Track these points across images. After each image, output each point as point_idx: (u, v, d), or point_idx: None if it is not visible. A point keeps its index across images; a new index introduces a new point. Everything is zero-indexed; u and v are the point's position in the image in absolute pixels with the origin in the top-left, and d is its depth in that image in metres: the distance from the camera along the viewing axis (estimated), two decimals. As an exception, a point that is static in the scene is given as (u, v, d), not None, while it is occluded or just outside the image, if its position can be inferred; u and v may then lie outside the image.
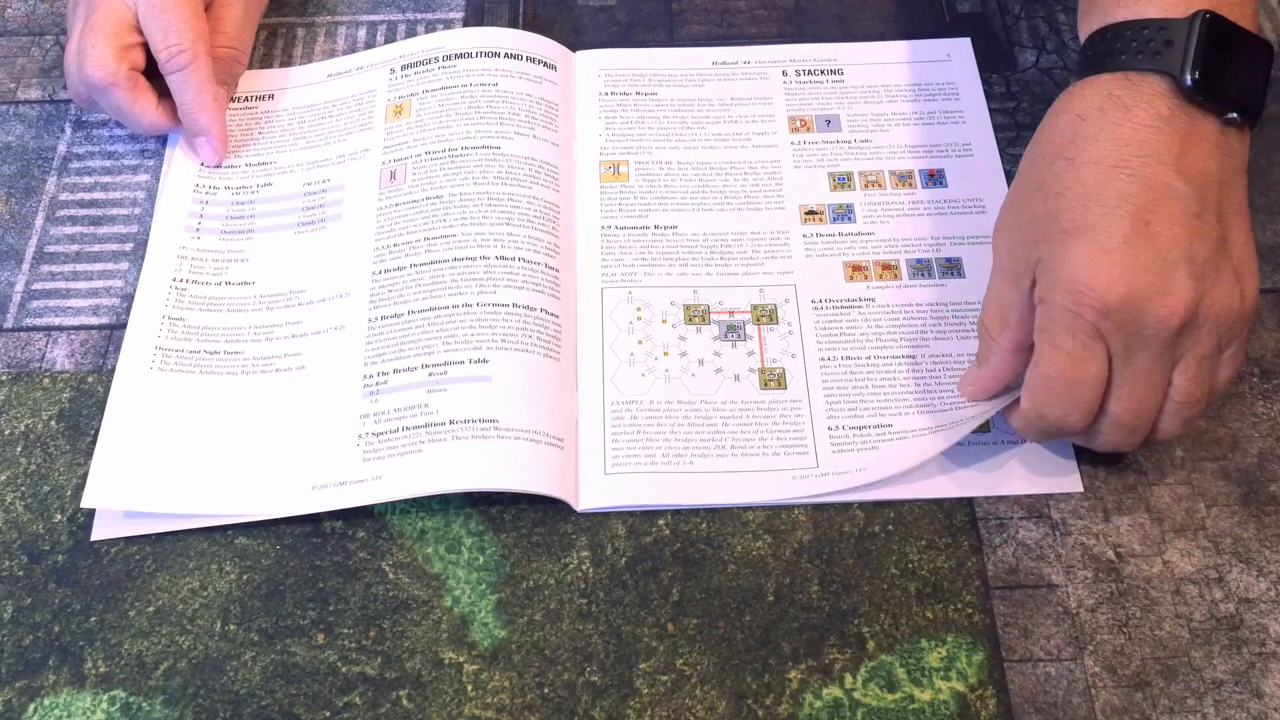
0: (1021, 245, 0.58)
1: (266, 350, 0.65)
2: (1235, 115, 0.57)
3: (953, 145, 0.73)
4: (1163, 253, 0.54)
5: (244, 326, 0.66)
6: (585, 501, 0.60)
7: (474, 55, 0.75)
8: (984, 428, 0.62)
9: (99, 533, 0.60)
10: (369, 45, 0.79)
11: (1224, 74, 0.57)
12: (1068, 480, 0.61)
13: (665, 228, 0.69)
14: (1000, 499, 0.60)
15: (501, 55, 0.75)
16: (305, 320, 0.66)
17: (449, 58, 0.75)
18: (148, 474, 0.60)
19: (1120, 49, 0.59)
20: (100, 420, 0.63)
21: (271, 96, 0.76)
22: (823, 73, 0.76)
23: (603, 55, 0.77)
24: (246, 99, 0.76)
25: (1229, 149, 0.58)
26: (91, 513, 0.60)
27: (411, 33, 0.79)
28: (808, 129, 0.73)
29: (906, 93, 0.75)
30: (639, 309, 0.66)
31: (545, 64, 0.75)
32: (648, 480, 0.61)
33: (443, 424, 0.61)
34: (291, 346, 0.65)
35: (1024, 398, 0.57)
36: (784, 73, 0.76)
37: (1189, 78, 0.56)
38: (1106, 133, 0.57)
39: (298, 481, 0.60)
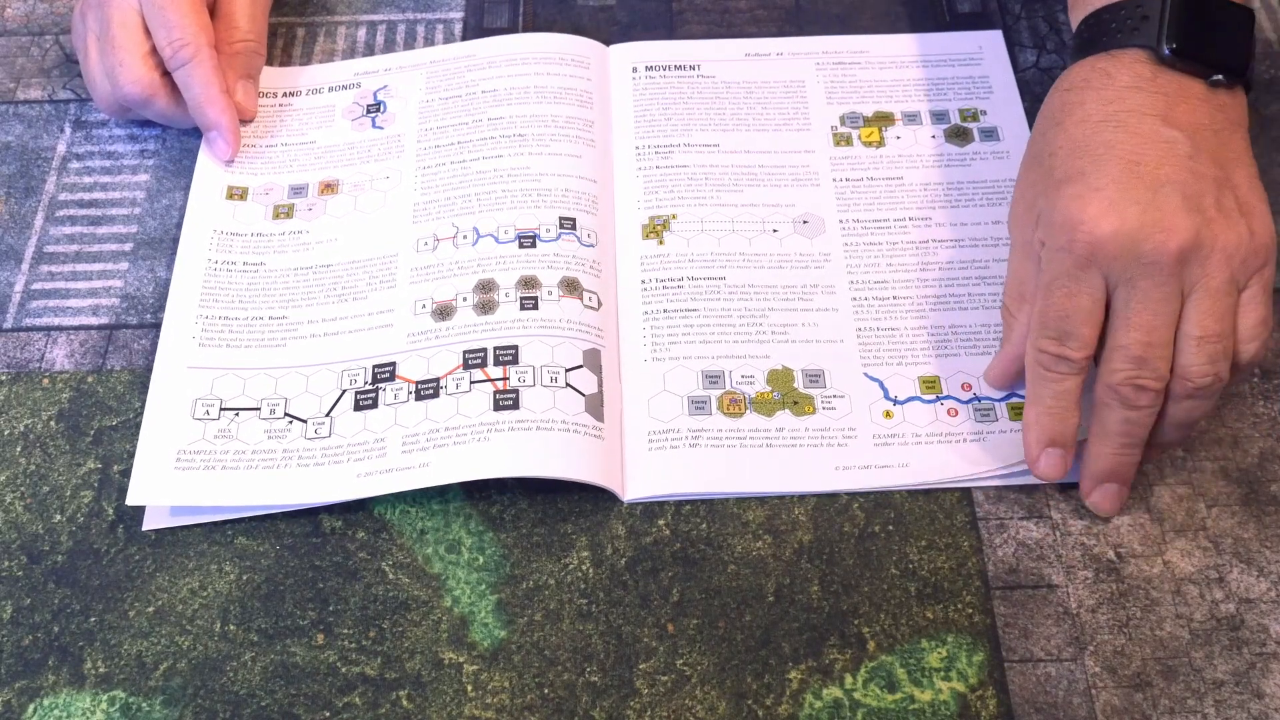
0: (1026, 213, 0.59)
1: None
2: (1221, 77, 0.58)
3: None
4: (1155, 187, 0.55)
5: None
6: (631, 492, 0.60)
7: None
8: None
9: (150, 522, 0.60)
10: (369, 45, 0.79)
11: (1203, 40, 0.58)
12: None
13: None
14: (1000, 499, 0.60)
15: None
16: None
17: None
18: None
19: (1102, 32, 0.61)
20: (100, 420, 0.63)
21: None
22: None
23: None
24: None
25: (1219, 104, 0.58)
26: (91, 513, 0.60)
27: (411, 33, 0.79)
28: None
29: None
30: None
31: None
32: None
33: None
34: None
35: (1028, 346, 0.57)
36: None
37: (1165, 48, 0.58)
38: (1092, 96, 0.59)
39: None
